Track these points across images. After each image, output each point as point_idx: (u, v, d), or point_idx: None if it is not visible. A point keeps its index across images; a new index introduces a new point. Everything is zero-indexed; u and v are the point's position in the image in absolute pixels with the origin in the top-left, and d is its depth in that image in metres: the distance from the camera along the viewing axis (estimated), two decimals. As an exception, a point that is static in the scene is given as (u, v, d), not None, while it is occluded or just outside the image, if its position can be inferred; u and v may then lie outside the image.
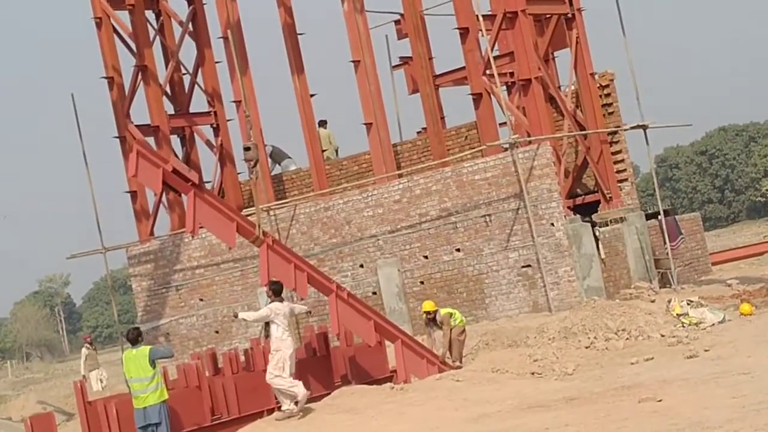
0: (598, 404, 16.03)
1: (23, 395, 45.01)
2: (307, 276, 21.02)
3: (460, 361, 22.84)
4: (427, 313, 23.52)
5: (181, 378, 19.98)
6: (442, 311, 23.38)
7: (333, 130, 34.44)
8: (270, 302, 19.92)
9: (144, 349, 17.93)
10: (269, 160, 33.98)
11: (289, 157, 33.88)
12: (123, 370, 18.47)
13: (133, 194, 33.28)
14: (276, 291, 19.90)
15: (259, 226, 20.91)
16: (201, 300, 32.05)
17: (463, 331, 23.32)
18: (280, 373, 19.29)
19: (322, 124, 33.58)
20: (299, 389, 19.26)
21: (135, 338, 18.10)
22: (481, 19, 28.07)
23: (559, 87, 31.19)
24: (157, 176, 20.10)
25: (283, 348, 19.38)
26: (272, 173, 33.84)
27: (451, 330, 22.88)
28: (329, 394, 20.24)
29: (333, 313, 20.88)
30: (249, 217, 22.54)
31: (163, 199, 33.15)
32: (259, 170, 23.15)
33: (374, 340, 21.17)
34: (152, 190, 20.24)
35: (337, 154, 33.96)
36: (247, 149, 21.82)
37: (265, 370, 20.11)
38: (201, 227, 21.24)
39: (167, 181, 20.25)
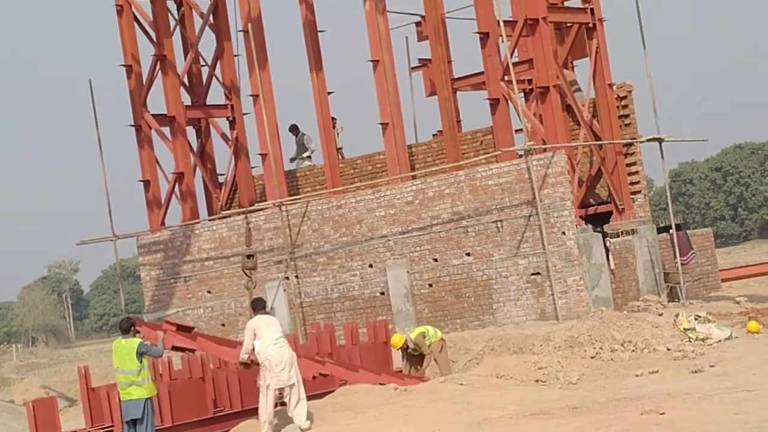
0: (600, 414, 16.02)
1: (27, 379, 45.19)
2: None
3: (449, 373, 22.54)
4: (400, 348, 23.13)
5: (185, 369, 20.04)
6: (412, 335, 22.99)
7: (338, 130, 34.19)
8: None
9: (133, 342, 17.46)
10: (297, 147, 34.36)
11: (313, 150, 34.12)
12: (113, 359, 17.97)
13: (146, 183, 33.37)
14: (255, 307, 18.72)
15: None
16: (209, 292, 32.06)
17: (442, 344, 23.14)
18: (261, 389, 18.18)
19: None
20: (261, 414, 18.12)
21: (128, 328, 17.68)
22: (501, 24, 28.00)
23: (577, 90, 31.06)
24: (176, 338, 19.87)
25: (260, 360, 18.24)
26: (299, 159, 34.23)
27: (430, 352, 22.72)
28: (332, 392, 20.23)
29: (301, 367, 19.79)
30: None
31: (176, 189, 33.23)
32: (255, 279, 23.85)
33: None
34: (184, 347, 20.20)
35: (341, 155, 33.64)
36: (249, 257, 21.95)
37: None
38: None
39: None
